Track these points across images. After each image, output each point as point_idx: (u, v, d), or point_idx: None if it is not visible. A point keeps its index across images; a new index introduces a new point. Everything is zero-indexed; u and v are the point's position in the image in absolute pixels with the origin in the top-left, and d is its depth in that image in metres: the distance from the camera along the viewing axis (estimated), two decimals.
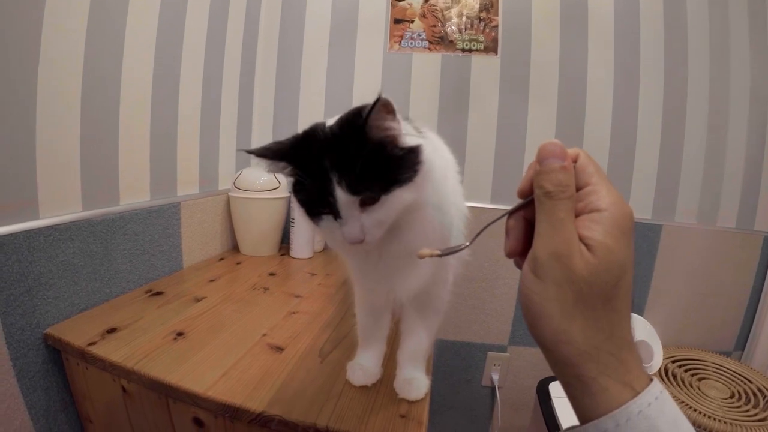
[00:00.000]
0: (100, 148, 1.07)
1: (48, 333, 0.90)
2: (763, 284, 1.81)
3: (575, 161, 0.41)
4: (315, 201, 0.57)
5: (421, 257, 0.48)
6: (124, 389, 0.84)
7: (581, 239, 0.37)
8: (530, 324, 0.39)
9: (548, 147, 0.40)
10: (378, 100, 0.51)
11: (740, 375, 1.58)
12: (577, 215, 0.39)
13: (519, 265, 0.44)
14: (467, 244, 0.48)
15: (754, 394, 1.49)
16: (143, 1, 1.15)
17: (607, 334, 0.37)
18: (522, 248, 0.43)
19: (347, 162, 0.53)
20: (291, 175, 0.60)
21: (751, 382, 1.54)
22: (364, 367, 0.82)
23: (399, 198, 0.55)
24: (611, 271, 0.36)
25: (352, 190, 0.53)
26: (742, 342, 1.86)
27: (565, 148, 0.40)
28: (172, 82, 1.31)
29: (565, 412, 1.43)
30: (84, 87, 1.00)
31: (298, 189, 0.60)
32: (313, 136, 0.58)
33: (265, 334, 0.98)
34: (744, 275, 1.82)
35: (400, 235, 0.61)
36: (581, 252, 0.37)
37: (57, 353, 0.92)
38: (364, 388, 0.81)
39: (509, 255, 0.44)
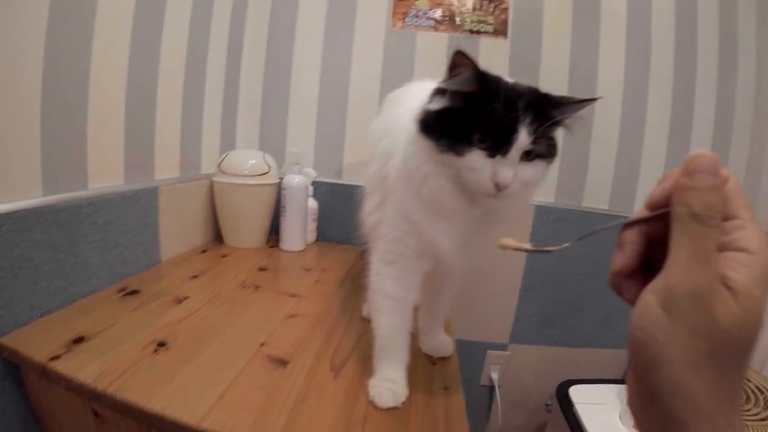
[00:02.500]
0: (66, 122, 0.91)
1: (2, 343, 0.75)
2: None
3: (724, 184, 0.33)
4: (487, 130, 0.58)
5: (504, 248, 0.44)
6: (96, 413, 0.69)
7: (722, 280, 0.31)
8: (642, 367, 0.33)
9: (701, 159, 0.33)
10: (593, 99, 0.61)
11: None
12: (718, 250, 0.32)
13: (617, 285, 0.38)
14: (566, 244, 0.42)
15: (753, 393, 1.45)
16: None
17: (729, 395, 0.31)
18: (634, 268, 0.37)
19: (541, 113, 0.59)
20: (460, 101, 0.62)
21: (749, 381, 1.50)
22: (392, 384, 0.71)
23: (542, 169, 0.62)
24: (753, 325, 0.30)
25: (534, 134, 0.58)
26: None
27: (720, 165, 0.33)
28: (151, 51, 1.15)
29: (592, 419, 1.35)
30: (47, 50, 0.84)
31: (447, 118, 0.62)
32: (498, 79, 0.63)
33: (263, 344, 0.84)
34: None
35: (507, 210, 0.68)
36: (724, 296, 0.30)
37: (15, 368, 0.77)
38: (392, 410, 0.69)
39: (617, 273, 0.38)
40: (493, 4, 1.65)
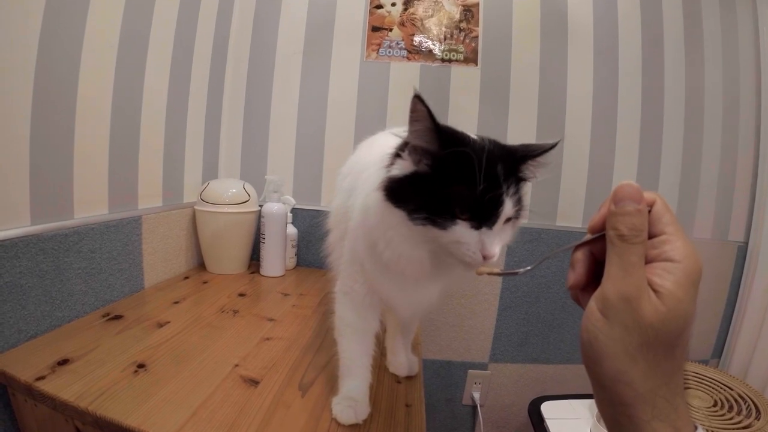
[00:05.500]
0: (52, 154, 0.96)
1: None
2: (738, 292, 1.87)
3: (651, 206, 0.40)
4: (467, 203, 0.54)
5: (480, 274, 0.52)
6: (78, 430, 0.74)
7: (651, 285, 0.37)
8: (590, 361, 0.39)
9: (625, 188, 0.40)
10: (555, 144, 0.59)
11: (720, 383, 1.57)
12: (649, 262, 0.39)
13: (576, 298, 0.45)
14: (529, 267, 0.49)
15: (736, 401, 1.48)
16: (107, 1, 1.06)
17: (664, 380, 0.37)
18: (585, 282, 0.44)
19: (516, 175, 0.58)
20: (427, 164, 0.57)
21: (732, 389, 1.53)
22: (353, 402, 0.75)
23: (518, 227, 0.61)
24: (678, 320, 0.36)
25: (517, 202, 0.57)
26: (719, 350, 1.91)
27: (642, 191, 0.40)
28: (135, 86, 1.21)
29: None
30: (36, 85, 0.90)
31: (417, 186, 0.58)
32: (466, 138, 0.58)
33: (237, 365, 0.89)
34: (720, 284, 1.88)
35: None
36: (650, 298, 0.37)
37: (2, 388, 0.82)
38: (353, 426, 0.73)
39: (572, 287, 0.45)
40: (463, 33, 1.73)
